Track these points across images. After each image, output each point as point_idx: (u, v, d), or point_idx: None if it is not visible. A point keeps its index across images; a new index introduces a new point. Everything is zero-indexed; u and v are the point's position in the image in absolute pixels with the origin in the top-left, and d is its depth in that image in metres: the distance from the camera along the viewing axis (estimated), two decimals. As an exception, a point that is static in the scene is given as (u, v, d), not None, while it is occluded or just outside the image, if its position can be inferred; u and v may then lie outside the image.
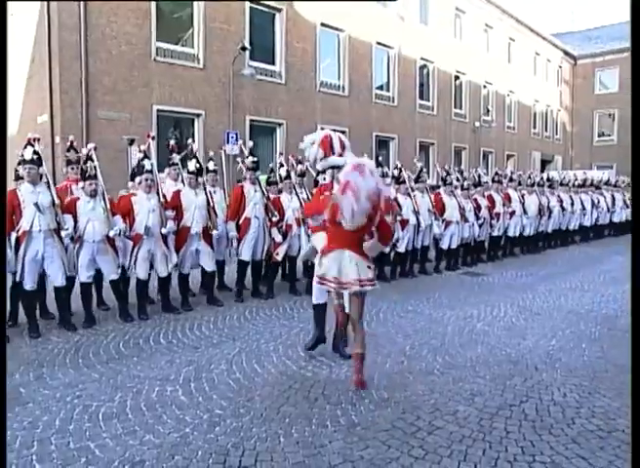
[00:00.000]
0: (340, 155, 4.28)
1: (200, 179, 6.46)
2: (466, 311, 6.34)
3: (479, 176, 10.38)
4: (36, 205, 5.04)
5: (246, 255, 6.82)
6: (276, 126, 15.77)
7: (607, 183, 16.12)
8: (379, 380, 4.09)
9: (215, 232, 6.47)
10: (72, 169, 6.10)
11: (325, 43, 16.91)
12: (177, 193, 6.35)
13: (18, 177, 5.59)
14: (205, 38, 13.72)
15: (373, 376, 4.15)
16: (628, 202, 15.39)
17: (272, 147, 15.50)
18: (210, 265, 6.44)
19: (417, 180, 8.86)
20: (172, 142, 7.03)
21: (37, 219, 5.07)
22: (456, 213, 9.03)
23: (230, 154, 12.15)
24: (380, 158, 8.66)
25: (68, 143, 6.15)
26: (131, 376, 4.14)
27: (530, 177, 11.95)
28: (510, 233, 10.81)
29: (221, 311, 6.21)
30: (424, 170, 9.66)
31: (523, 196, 11.09)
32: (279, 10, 15.42)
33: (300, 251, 7.07)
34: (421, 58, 20.73)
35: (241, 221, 6.77)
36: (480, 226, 9.75)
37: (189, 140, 8.30)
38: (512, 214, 10.61)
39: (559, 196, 12.54)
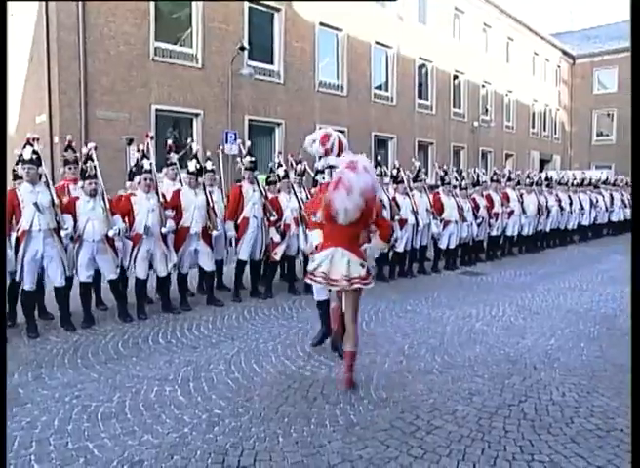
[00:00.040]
0: (339, 155, 4.28)
1: (200, 179, 6.46)
2: (465, 310, 6.34)
3: (478, 176, 10.38)
4: (36, 204, 5.04)
5: (244, 255, 6.82)
6: (275, 125, 15.77)
7: (605, 183, 16.12)
8: (377, 380, 4.09)
9: (214, 233, 6.47)
10: (70, 168, 6.09)
11: (324, 42, 16.92)
12: (176, 193, 6.34)
13: (16, 177, 5.59)
14: (204, 38, 13.72)
15: (371, 376, 4.16)
16: (627, 201, 15.41)
17: (271, 147, 15.50)
18: (209, 265, 6.43)
19: (415, 180, 8.87)
20: (169, 142, 7.03)
21: (37, 219, 5.07)
22: (454, 212, 9.03)
23: (229, 154, 12.16)
24: (379, 157, 8.64)
25: (66, 143, 6.15)
26: (129, 376, 4.14)
27: (528, 177, 11.95)
28: (509, 232, 10.82)
29: (220, 311, 6.20)
30: (423, 169, 9.67)
31: (522, 195, 11.09)
32: (278, 9, 15.43)
33: (298, 250, 7.08)
34: (420, 58, 20.74)
35: (239, 221, 6.76)
36: (479, 226, 9.75)
37: (189, 140, 8.31)
38: (511, 213, 10.61)
39: (557, 195, 12.54)
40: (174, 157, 7.01)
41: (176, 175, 7.05)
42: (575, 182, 14.11)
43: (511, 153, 26.92)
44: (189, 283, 6.70)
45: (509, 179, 11.43)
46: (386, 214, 7.76)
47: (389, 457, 2.97)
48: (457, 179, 9.65)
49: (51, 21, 11.46)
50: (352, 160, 3.77)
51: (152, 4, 12.73)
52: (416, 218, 8.33)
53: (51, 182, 5.45)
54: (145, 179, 5.85)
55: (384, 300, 6.68)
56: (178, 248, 6.21)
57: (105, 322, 5.68)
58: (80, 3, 11.40)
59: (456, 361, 4.57)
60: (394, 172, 8.61)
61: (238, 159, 7.19)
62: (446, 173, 9.35)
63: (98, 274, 5.85)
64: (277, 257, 6.96)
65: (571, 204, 12.93)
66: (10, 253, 5.04)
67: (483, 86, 24.55)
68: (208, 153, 7.32)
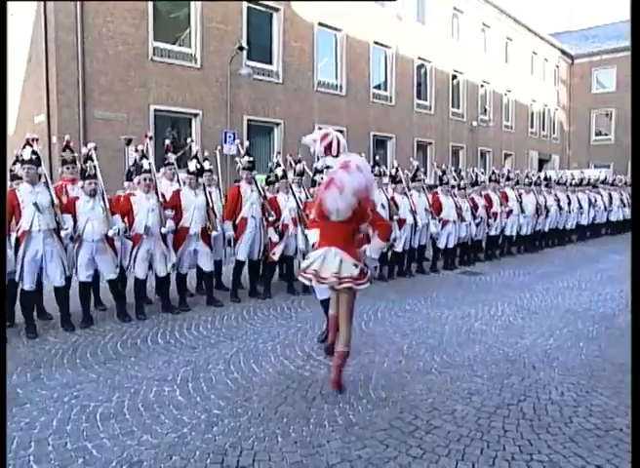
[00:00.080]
0: (337, 155, 4.28)
1: (200, 180, 6.46)
2: (464, 310, 6.34)
3: (476, 176, 10.39)
4: (35, 205, 5.04)
5: (242, 255, 6.81)
6: (274, 125, 15.77)
7: (604, 182, 16.13)
8: (376, 380, 4.09)
9: (214, 233, 6.47)
10: (67, 168, 6.09)
11: (322, 42, 16.92)
12: (176, 193, 6.34)
13: (13, 177, 5.58)
14: (202, 38, 13.72)
15: (370, 376, 4.16)
16: (625, 201, 15.42)
17: (270, 147, 15.49)
18: (208, 265, 6.43)
19: (413, 180, 8.87)
20: (167, 142, 7.03)
21: (36, 219, 5.07)
22: (452, 212, 9.04)
23: (228, 154, 12.16)
24: (378, 157, 8.65)
25: (64, 143, 6.14)
26: (128, 377, 4.14)
27: (527, 177, 11.96)
28: (507, 232, 10.82)
29: (219, 311, 6.20)
30: (422, 169, 9.67)
31: (520, 195, 11.09)
32: (276, 9, 15.43)
33: (297, 250, 7.08)
34: (419, 58, 20.75)
35: (238, 221, 6.76)
36: (477, 225, 9.75)
37: (189, 140, 8.30)
38: (509, 213, 10.62)
39: (556, 195, 12.55)
40: (171, 157, 7.01)
41: (173, 175, 7.04)
42: (573, 182, 14.12)
43: (510, 153, 26.94)
44: (188, 283, 6.70)
45: (508, 179, 11.44)
46: (385, 213, 7.77)
47: (388, 457, 2.97)
48: (455, 179, 9.66)
49: (49, 21, 11.44)
50: (346, 160, 3.77)
51: (151, 4, 12.72)
52: (414, 218, 8.33)
53: (50, 182, 5.45)
54: (145, 179, 5.85)
55: (383, 300, 6.68)
56: (177, 248, 6.20)
57: (104, 322, 5.67)
58: (78, 3, 11.39)
59: (455, 360, 4.58)
60: (393, 171, 8.61)
61: (237, 159, 7.19)
62: (444, 172, 9.36)
63: (96, 274, 5.85)
64: (276, 258, 6.96)
65: (569, 203, 12.94)
66: (10, 253, 5.03)
67: (482, 86, 24.57)
68: (206, 153, 7.33)
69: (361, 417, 3.45)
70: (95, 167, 5.53)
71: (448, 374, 4.24)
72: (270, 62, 15.55)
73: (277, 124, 15.74)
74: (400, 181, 8.42)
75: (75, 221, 5.41)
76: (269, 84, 15.37)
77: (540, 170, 24.70)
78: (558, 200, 12.44)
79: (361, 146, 15.17)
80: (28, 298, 5.27)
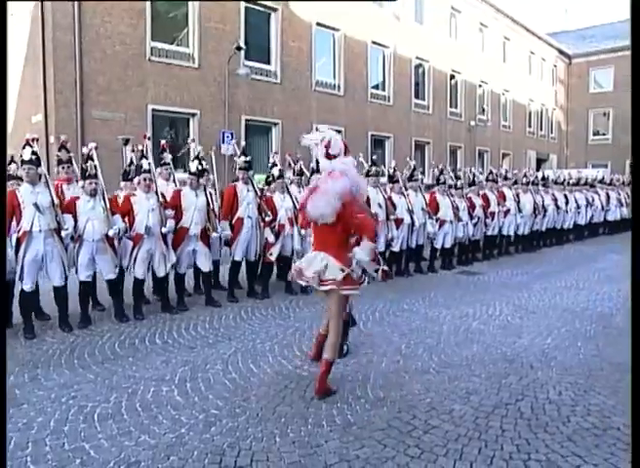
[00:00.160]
0: (335, 157, 4.27)
1: (202, 181, 6.45)
2: (462, 310, 6.34)
3: (474, 176, 10.39)
4: (35, 205, 5.03)
5: (238, 256, 6.81)
6: (272, 125, 15.77)
7: (601, 182, 16.16)
8: (374, 379, 4.09)
9: (214, 234, 6.45)
10: (63, 168, 6.07)
11: (320, 42, 16.93)
12: (177, 193, 6.33)
13: (11, 177, 5.57)
14: (200, 38, 13.71)
15: (368, 375, 4.16)
16: (623, 200, 15.45)
17: (268, 147, 15.49)
18: (206, 266, 6.42)
19: (410, 179, 8.87)
20: (162, 142, 7.02)
21: (37, 219, 5.06)
22: (449, 212, 9.04)
23: (226, 154, 12.15)
24: (375, 157, 8.66)
25: (60, 143, 6.13)
26: (126, 377, 4.13)
27: (525, 176, 11.97)
28: (505, 232, 10.84)
29: (217, 311, 6.20)
30: (419, 169, 9.68)
31: (518, 195, 11.10)
32: (274, 9, 15.43)
33: (293, 251, 7.06)
34: (417, 58, 20.77)
35: (234, 221, 6.75)
36: (475, 225, 9.75)
37: (189, 140, 8.29)
38: (507, 212, 10.63)
39: (554, 195, 12.56)
40: (167, 157, 6.99)
41: (169, 175, 7.03)
42: (571, 181, 14.14)
43: (508, 152, 26.98)
44: (186, 283, 6.69)
45: (506, 178, 11.45)
46: (382, 213, 7.78)
47: (386, 457, 2.97)
48: (452, 179, 9.67)
49: (47, 21, 11.42)
50: (332, 170, 3.75)
51: (148, 4, 12.71)
52: (411, 218, 8.34)
53: (50, 183, 5.44)
54: (145, 180, 5.85)
55: (381, 300, 6.68)
56: (176, 248, 6.19)
57: (102, 322, 5.67)
58: (76, 3, 11.38)
59: (452, 360, 4.58)
60: (390, 171, 8.62)
61: (235, 159, 7.18)
62: (442, 172, 9.36)
63: (94, 274, 5.83)
64: (272, 258, 6.95)
65: (567, 203, 12.96)
66: (10, 253, 5.02)
67: (480, 85, 24.60)
68: (201, 153, 7.30)
69: (359, 417, 3.45)
70: (95, 166, 5.53)
71: (446, 374, 4.24)
72: (268, 62, 15.55)
73: (275, 124, 15.73)
74: (397, 181, 8.43)
75: (76, 221, 5.40)
76: (267, 84, 15.37)
77: (537, 169, 24.73)
78: (556, 199, 12.45)
79: (359, 146, 15.18)
80: (28, 299, 5.26)
